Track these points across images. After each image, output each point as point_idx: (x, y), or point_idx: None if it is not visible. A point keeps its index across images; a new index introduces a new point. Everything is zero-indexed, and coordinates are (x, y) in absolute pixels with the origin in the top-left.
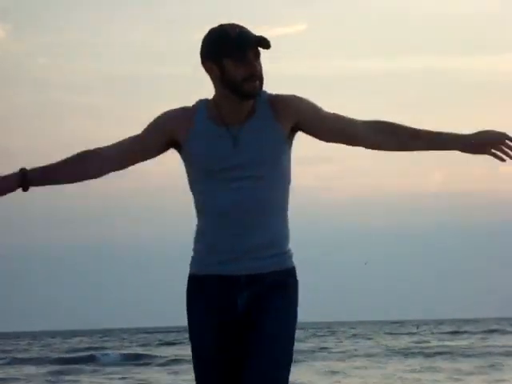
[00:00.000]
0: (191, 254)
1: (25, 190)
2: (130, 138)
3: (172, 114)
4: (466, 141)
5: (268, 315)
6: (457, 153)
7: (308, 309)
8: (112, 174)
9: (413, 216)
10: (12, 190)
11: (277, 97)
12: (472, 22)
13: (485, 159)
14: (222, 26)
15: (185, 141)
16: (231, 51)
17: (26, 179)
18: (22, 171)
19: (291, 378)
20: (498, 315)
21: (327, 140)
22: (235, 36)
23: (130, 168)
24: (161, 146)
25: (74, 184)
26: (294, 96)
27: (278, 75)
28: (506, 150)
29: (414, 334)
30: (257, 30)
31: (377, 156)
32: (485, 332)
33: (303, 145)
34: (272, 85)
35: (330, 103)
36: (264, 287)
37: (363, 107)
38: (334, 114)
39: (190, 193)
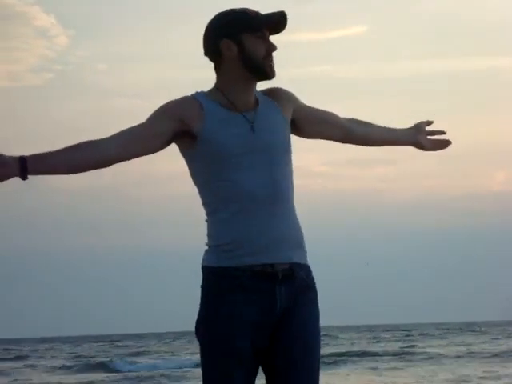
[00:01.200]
0: (208, 247)
1: (24, 178)
2: (131, 127)
3: (179, 101)
4: (411, 137)
5: (304, 341)
6: None
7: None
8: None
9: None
10: (10, 177)
11: (270, 89)
12: None
13: None
14: (234, 8)
15: (200, 127)
16: (252, 26)
17: (25, 168)
18: (22, 159)
19: None
20: None
21: (314, 132)
22: (255, 13)
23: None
24: (168, 136)
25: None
26: (282, 87)
27: (338, 77)
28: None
29: None
30: (318, 34)
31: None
32: None
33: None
34: (336, 87)
35: (393, 104)
36: (297, 287)
37: (423, 108)
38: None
39: (202, 187)
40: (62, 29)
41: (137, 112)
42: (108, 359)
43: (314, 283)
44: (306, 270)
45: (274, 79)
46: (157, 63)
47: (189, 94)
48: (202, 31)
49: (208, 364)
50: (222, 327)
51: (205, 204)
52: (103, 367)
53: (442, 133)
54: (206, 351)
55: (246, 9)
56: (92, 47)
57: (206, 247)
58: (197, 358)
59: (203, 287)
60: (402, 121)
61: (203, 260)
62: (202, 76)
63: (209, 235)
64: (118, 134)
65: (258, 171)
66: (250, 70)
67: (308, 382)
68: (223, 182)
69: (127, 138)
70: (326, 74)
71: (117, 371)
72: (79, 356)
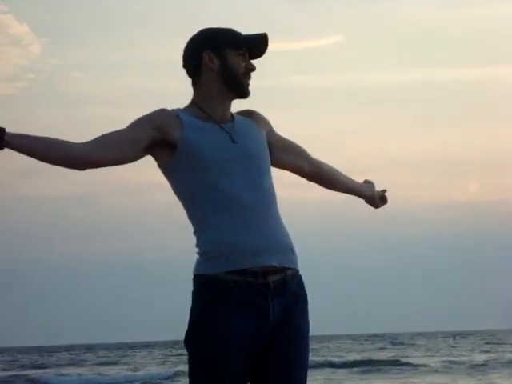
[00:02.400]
0: (199, 256)
1: (0, 148)
2: (110, 132)
3: (157, 111)
4: (369, 193)
5: (293, 359)
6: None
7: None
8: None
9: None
10: None
11: (246, 110)
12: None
13: None
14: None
15: (178, 135)
16: (235, 42)
17: (2, 138)
18: (1, 129)
19: None
20: None
21: (282, 160)
22: (237, 32)
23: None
24: (146, 142)
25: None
26: (260, 112)
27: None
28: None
29: None
30: (294, 44)
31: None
32: None
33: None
34: (308, 96)
35: (366, 115)
36: (288, 298)
37: (398, 119)
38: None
39: (187, 198)
40: (35, 37)
41: (112, 121)
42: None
43: (305, 292)
44: (298, 278)
45: (249, 98)
46: (132, 72)
47: (164, 103)
48: (177, 41)
49: (198, 376)
50: (214, 340)
51: (192, 215)
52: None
53: (384, 191)
54: (198, 362)
55: (231, 28)
56: (66, 56)
57: (198, 256)
58: (133, 374)
59: (195, 297)
60: (377, 130)
61: (195, 269)
62: (177, 86)
63: (199, 244)
64: (96, 137)
65: (243, 178)
66: (228, 85)
67: None
68: (209, 189)
69: (105, 140)
70: (301, 84)
71: None
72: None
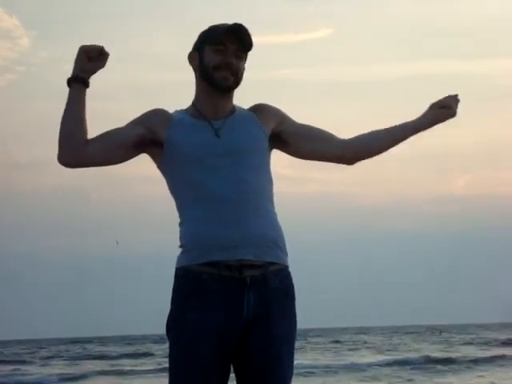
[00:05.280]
0: (180, 249)
1: (84, 82)
2: (111, 131)
3: (150, 111)
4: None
5: (273, 353)
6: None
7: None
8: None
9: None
10: (95, 69)
11: (255, 104)
12: (498, 23)
13: None
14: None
15: (165, 134)
16: (211, 38)
17: (87, 82)
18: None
19: None
20: None
21: (306, 148)
22: (219, 25)
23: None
24: (139, 139)
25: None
26: (268, 103)
27: (302, 81)
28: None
29: None
30: (282, 37)
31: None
32: None
33: None
34: (298, 90)
35: (358, 108)
36: (269, 294)
37: (391, 112)
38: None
39: (174, 194)
40: (24, 30)
41: (102, 113)
42: None
43: (291, 289)
44: (282, 274)
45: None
46: (123, 64)
47: (154, 95)
48: (168, 33)
49: (172, 367)
50: (187, 333)
51: (177, 209)
52: None
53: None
54: (172, 354)
55: (221, 23)
56: (55, 48)
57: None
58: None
59: (173, 289)
60: (366, 124)
61: (176, 262)
62: (169, 78)
63: (180, 237)
64: (95, 139)
65: (225, 173)
66: (205, 80)
67: None
68: (188, 184)
69: (105, 143)
70: (291, 77)
71: None
72: None
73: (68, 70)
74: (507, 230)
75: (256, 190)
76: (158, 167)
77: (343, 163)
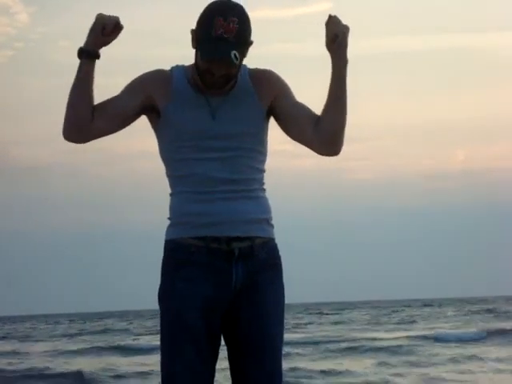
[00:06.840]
0: (168, 221)
1: (94, 53)
2: (107, 100)
3: (150, 75)
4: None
5: (262, 321)
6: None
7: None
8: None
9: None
10: (107, 41)
11: (257, 72)
12: None
13: None
14: (214, 10)
15: (164, 106)
16: (202, 52)
17: (98, 55)
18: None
19: None
20: None
21: (288, 133)
22: (214, 37)
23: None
24: (138, 109)
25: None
26: (272, 71)
27: (302, 55)
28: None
29: None
30: (280, 11)
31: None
32: None
33: None
34: (297, 65)
35: (353, 84)
36: (256, 266)
37: (389, 86)
38: (303, 104)
39: (165, 163)
40: (22, 6)
41: (99, 89)
42: None
43: (278, 260)
44: (269, 246)
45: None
46: (120, 40)
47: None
48: (166, 10)
49: (162, 337)
50: (175, 302)
51: (167, 177)
52: None
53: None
54: (163, 323)
55: (216, 23)
56: (53, 24)
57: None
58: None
59: (162, 261)
60: (368, 98)
61: (165, 234)
62: (165, 53)
63: (169, 208)
64: (95, 111)
65: (217, 154)
66: (198, 75)
67: (270, 365)
68: (179, 163)
69: (109, 112)
70: (290, 51)
71: None
72: None
73: (66, 46)
74: None
75: (248, 172)
76: (153, 129)
77: (326, 156)
